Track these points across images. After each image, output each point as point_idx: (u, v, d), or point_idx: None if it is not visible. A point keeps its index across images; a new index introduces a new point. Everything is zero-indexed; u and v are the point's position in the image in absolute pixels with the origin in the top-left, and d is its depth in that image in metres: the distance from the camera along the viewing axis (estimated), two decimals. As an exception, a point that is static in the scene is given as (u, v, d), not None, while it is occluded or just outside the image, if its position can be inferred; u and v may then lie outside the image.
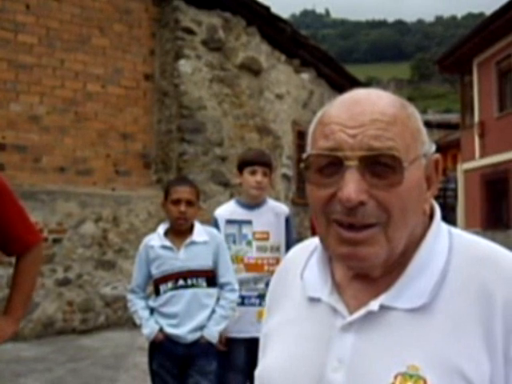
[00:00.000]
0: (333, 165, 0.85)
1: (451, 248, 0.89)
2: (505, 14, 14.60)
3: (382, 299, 0.86)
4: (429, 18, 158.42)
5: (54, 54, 7.15)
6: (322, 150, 0.86)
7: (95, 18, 7.53)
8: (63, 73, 7.24)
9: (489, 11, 18.38)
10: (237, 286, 3.09)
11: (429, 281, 0.85)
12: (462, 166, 18.59)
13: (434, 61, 23.18)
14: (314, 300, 0.95)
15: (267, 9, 8.93)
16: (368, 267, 0.88)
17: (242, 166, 3.28)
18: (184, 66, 7.78)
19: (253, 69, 8.81)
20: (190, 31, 7.90)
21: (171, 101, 7.85)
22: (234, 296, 3.08)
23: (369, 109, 0.86)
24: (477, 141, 17.34)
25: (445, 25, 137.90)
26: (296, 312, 0.97)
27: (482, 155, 17.02)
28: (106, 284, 7.21)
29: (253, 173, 3.23)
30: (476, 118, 17.49)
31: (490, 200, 16.61)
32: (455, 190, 20.15)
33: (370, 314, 0.86)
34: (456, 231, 0.93)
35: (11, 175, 6.53)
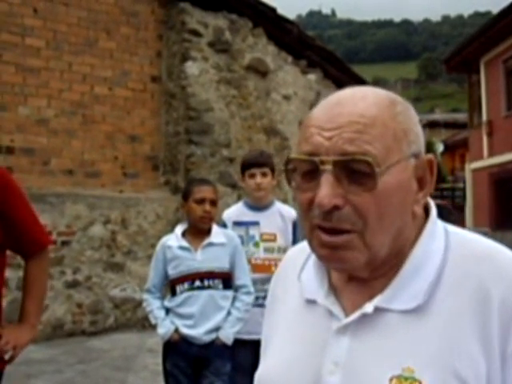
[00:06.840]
0: (312, 169, 0.85)
1: (447, 247, 0.87)
2: (512, 12, 14.54)
3: (377, 301, 0.85)
4: (435, 17, 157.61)
5: (61, 57, 7.18)
6: (301, 154, 0.86)
7: (102, 20, 7.55)
8: (71, 76, 7.26)
9: (495, 10, 18.28)
10: (252, 289, 3.10)
11: (424, 281, 0.84)
12: (470, 166, 18.52)
13: (441, 60, 23.09)
14: (310, 302, 0.94)
15: (274, 10, 8.92)
16: (350, 269, 0.88)
17: (243, 169, 3.32)
18: (191, 67, 7.80)
19: (260, 70, 8.81)
20: (196, 33, 7.91)
21: (178, 103, 7.86)
22: (250, 299, 3.09)
23: (348, 110, 0.84)
24: (485, 140, 17.27)
25: (451, 24, 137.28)
26: (294, 314, 0.97)
27: (491, 154, 16.95)
28: (115, 286, 7.23)
29: (251, 176, 3.26)
30: (484, 117, 17.41)
31: (498, 200, 16.51)
32: (463, 190, 20.06)
33: (365, 316, 0.85)
34: (453, 229, 0.92)
35: (20, 178, 6.55)
